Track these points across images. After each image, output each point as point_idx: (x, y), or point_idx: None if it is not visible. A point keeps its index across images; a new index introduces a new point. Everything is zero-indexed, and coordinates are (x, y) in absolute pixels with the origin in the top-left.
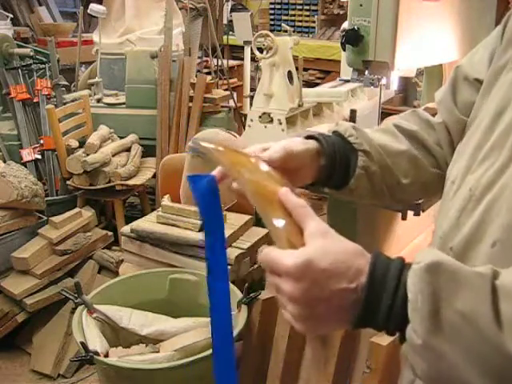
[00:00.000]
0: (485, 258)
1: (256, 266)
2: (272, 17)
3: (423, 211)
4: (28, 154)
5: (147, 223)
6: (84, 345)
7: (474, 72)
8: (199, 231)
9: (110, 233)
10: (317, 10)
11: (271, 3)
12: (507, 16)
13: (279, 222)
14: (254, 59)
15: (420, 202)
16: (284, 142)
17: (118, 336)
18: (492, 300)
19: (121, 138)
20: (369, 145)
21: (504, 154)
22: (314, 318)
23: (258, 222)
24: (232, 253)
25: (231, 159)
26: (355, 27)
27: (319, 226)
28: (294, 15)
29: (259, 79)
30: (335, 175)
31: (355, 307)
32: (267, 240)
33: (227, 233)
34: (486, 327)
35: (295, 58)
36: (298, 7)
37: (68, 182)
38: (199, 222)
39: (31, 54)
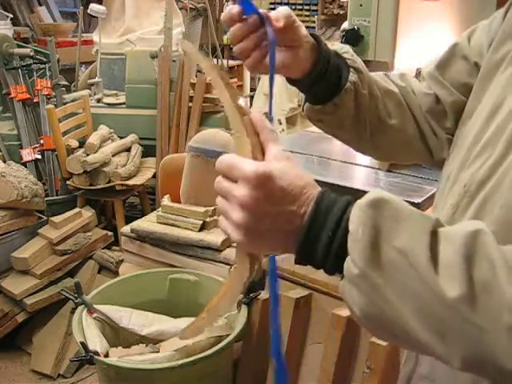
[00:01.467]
0: None
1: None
2: None
3: (423, 211)
4: (28, 154)
5: (147, 223)
6: (84, 345)
7: (473, 55)
8: None
9: (110, 233)
10: (317, 10)
11: (271, 3)
12: (508, 4)
13: (244, 135)
14: None
15: (420, 201)
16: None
17: (118, 336)
18: (430, 241)
19: (121, 138)
20: (362, 67)
21: (497, 151)
22: (256, 232)
23: None
24: (232, 253)
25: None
26: (355, 27)
27: (280, 151)
28: None
29: (259, 79)
30: (326, 78)
31: (298, 233)
32: None
33: None
34: (421, 266)
35: None
36: (298, 7)
37: (68, 182)
38: (199, 222)
39: (31, 54)
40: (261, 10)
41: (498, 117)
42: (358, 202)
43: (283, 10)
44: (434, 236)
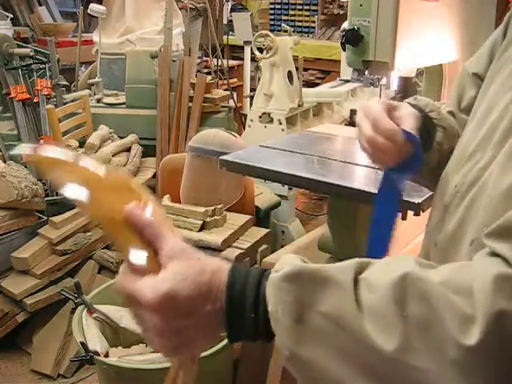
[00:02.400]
0: (465, 257)
1: (256, 266)
2: (272, 17)
3: (423, 211)
4: None
5: None
6: (84, 345)
7: (472, 67)
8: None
9: None
10: (317, 10)
11: (271, 3)
12: (509, 15)
13: (133, 251)
14: (253, 59)
15: (420, 201)
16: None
17: (118, 336)
18: (355, 295)
19: (121, 138)
20: (447, 123)
21: (488, 152)
22: (185, 345)
23: (258, 221)
24: (232, 253)
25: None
26: (355, 27)
27: (174, 245)
28: (294, 15)
29: (259, 79)
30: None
31: (223, 328)
32: (267, 240)
33: (227, 233)
34: (350, 326)
35: (295, 58)
36: (298, 7)
37: None
38: (199, 222)
39: (31, 54)
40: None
41: (491, 117)
42: (271, 277)
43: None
44: (356, 288)
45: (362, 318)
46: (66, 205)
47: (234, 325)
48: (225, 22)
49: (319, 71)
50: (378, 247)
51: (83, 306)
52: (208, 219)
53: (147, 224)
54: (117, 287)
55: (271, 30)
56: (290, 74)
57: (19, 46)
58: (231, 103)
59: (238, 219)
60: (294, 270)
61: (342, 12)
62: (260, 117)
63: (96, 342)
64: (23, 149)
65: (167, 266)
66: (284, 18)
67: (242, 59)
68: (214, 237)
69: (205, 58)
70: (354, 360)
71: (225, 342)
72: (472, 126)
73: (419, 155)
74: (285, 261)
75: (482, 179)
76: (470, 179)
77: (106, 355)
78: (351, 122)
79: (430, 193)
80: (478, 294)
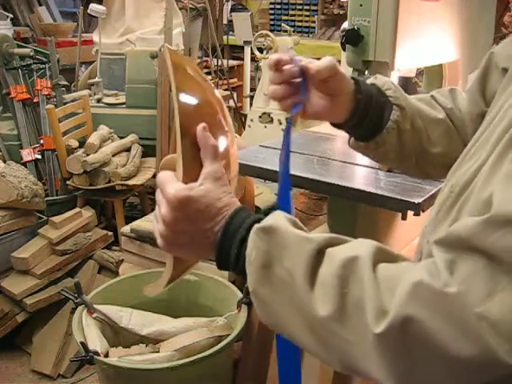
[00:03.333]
0: None
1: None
2: (272, 17)
3: (423, 211)
4: (28, 154)
5: (147, 223)
6: (84, 345)
7: (502, 60)
8: None
9: (110, 233)
10: (317, 10)
11: (271, 3)
12: None
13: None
14: (253, 59)
15: (420, 201)
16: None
17: (118, 336)
18: (311, 262)
19: (121, 138)
20: (405, 102)
21: (484, 155)
22: (175, 244)
23: None
24: None
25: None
26: (355, 27)
27: (216, 170)
28: (294, 15)
29: (259, 79)
30: (367, 120)
31: (213, 248)
32: None
33: None
34: (299, 285)
35: None
36: (298, 7)
37: (68, 182)
38: None
39: (31, 54)
40: (304, 60)
41: (495, 120)
42: (256, 225)
43: (327, 62)
44: (318, 256)
45: (311, 284)
46: (66, 205)
47: (221, 252)
48: (225, 21)
49: None
50: (283, 199)
51: (83, 305)
52: None
53: (207, 144)
54: (157, 176)
55: (271, 30)
56: None
57: (19, 46)
58: (231, 103)
59: None
60: (273, 225)
61: (342, 12)
62: (260, 117)
63: (96, 342)
64: None
65: (199, 181)
66: (284, 17)
67: (242, 59)
68: None
69: (205, 58)
70: (299, 312)
71: (225, 342)
72: (480, 129)
73: (303, 86)
74: (274, 215)
75: (473, 182)
76: (463, 181)
77: (106, 355)
78: None
79: (430, 193)
80: (398, 295)
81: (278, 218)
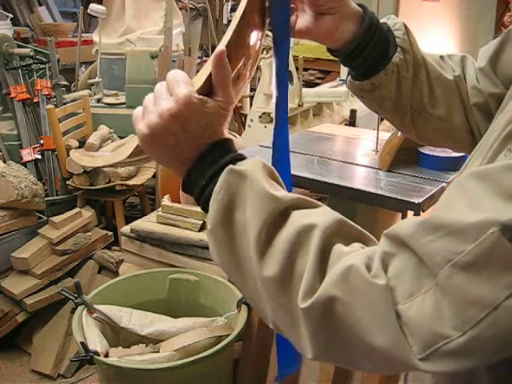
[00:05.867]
0: None
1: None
2: None
3: (423, 211)
4: (28, 154)
5: (147, 223)
6: (84, 345)
7: None
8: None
9: (110, 233)
10: None
11: None
12: None
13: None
14: None
15: (420, 201)
16: None
17: (118, 336)
18: (270, 222)
19: (121, 138)
20: (412, 48)
21: (481, 158)
22: (157, 143)
23: None
24: None
25: None
26: None
27: (226, 99)
28: None
29: (259, 79)
30: (365, 53)
31: (186, 165)
32: None
33: None
34: (252, 239)
35: (295, 58)
36: None
37: (68, 182)
38: (199, 222)
39: (31, 54)
40: None
41: (496, 123)
42: (230, 166)
43: None
44: (281, 217)
45: (265, 242)
46: (66, 205)
47: (190, 175)
48: (225, 21)
49: (319, 71)
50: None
51: (83, 305)
52: None
53: (219, 72)
54: (168, 73)
55: (271, 30)
56: (289, 74)
57: (19, 46)
58: None
59: None
60: (247, 171)
61: None
62: (260, 117)
63: (96, 342)
64: None
65: (213, 96)
66: None
67: None
68: None
69: (205, 58)
70: (247, 263)
71: (225, 342)
72: (490, 128)
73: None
74: (253, 161)
75: None
76: None
77: (106, 355)
78: (351, 122)
79: (430, 193)
80: (330, 274)
81: (255, 165)
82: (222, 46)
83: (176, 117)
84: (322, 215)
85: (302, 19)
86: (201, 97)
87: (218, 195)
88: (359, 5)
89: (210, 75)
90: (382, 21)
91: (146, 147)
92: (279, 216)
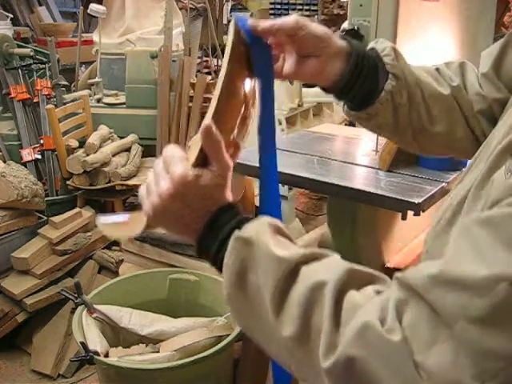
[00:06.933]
0: None
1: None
2: (272, 17)
3: (423, 211)
4: (28, 154)
5: None
6: (84, 345)
7: None
8: None
9: None
10: (317, 10)
11: (271, 3)
12: None
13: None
14: None
15: (420, 201)
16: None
17: (118, 336)
18: (281, 284)
19: (121, 138)
20: (404, 72)
21: (479, 169)
22: (162, 219)
23: None
24: None
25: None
26: (355, 27)
27: (221, 167)
28: None
29: None
30: (357, 86)
31: (196, 234)
32: None
33: None
34: (267, 304)
35: None
36: (298, 7)
37: (68, 182)
38: None
39: (31, 54)
40: (265, 23)
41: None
42: (236, 232)
43: (287, 22)
44: (291, 276)
45: (279, 304)
46: (66, 205)
47: (202, 243)
48: (225, 21)
49: None
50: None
51: (83, 305)
52: None
53: (209, 144)
54: (167, 147)
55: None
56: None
57: (19, 46)
58: None
59: None
60: (252, 238)
61: (342, 12)
62: None
63: (96, 342)
64: None
65: (208, 168)
66: None
67: None
68: None
69: (205, 58)
70: (265, 326)
71: (225, 342)
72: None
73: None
74: (257, 224)
75: (466, 200)
76: (461, 195)
77: (106, 355)
78: (351, 122)
79: (430, 193)
80: (347, 332)
81: (260, 228)
82: (207, 120)
83: (175, 196)
84: (331, 268)
85: (289, 62)
86: (196, 173)
87: (228, 262)
88: (344, 38)
89: (202, 147)
90: (370, 45)
91: (154, 224)
92: (289, 275)
